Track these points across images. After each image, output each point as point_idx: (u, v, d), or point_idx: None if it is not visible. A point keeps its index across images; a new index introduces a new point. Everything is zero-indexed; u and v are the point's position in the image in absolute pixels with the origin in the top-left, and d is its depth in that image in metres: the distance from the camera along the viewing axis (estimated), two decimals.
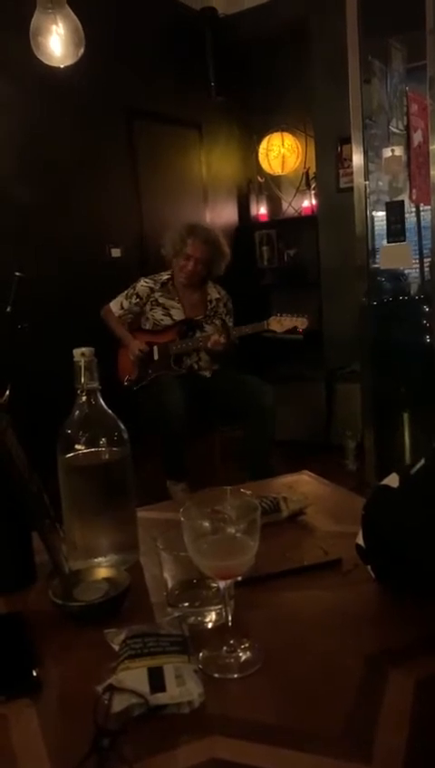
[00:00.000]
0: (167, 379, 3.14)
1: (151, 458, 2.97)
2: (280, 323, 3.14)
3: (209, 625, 0.85)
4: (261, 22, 4.30)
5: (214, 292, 3.40)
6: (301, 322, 3.13)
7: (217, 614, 0.84)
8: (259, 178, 4.95)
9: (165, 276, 3.34)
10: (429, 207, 3.11)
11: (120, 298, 3.34)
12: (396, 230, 3.06)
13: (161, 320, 3.28)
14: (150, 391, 3.13)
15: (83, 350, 0.98)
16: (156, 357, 3.25)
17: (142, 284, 3.32)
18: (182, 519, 0.75)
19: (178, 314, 3.29)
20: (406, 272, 3.50)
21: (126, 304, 3.32)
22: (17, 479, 0.96)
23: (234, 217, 4.97)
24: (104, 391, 1.01)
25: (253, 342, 3.39)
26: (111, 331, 3.35)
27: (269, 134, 4.72)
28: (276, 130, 4.70)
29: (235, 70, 4.55)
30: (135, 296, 3.31)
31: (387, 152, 3.05)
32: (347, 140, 3.30)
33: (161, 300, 3.29)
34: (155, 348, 3.25)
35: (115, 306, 3.34)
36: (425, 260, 3.33)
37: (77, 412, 1.00)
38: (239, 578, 0.77)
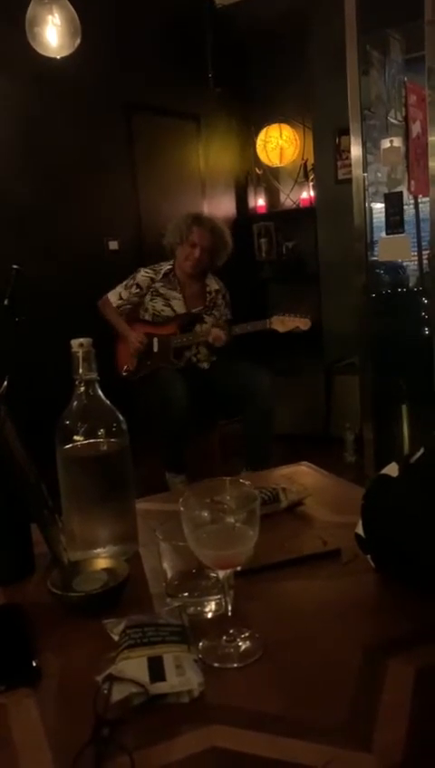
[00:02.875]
0: (168, 372, 3.14)
1: (150, 449, 2.97)
2: (283, 323, 3.16)
3: (209, 615, 0.85)
4: (259, 12, 4.27)
5: (213, 284, 3.40)
6: (304, 323, 3.14)
7: (217, 604, 0.84)
8: (257, 170, 4.93)
9: (166, 267, 3.32)
10: (427, 199, 3.10)
11: (119, 289, 3.32)
12: (395, 222, 3.05)
13: (162, 310, 3.28)
14: (151, 384, 3.13)
15: (81, 340, 0.98)
16: (156, 349, 3.25)
17: (143, 274, 3.30)
18: (181, 509, 0.75)
19: (178, 305, 3.29)
20: (405, 264, 3.49)
21: (125, 295, 3.31)
22: (16, 471, 0.96)
23: (232, 209, 4.95)
24: (103, 383, 1.00)
25: (251, 335, 3.39)
26: (109, 323, 3.33)
27: (267, 125, 4.69)
28: (275, 122, 4.67)
29: (233, 61, 4.52)
30: (135, 286, 3.29)
31: (385, 143, 3.04)
32: (345, 132, 3.29)
33: (162, 290, 3.29)
34: (155, 340, 3.25)
35: (114, 297, 3.32)
36: (424, 252, 3.33)
37: (75, 403, 0.99)
38: (238, 568, 0.77)
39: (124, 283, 3.32)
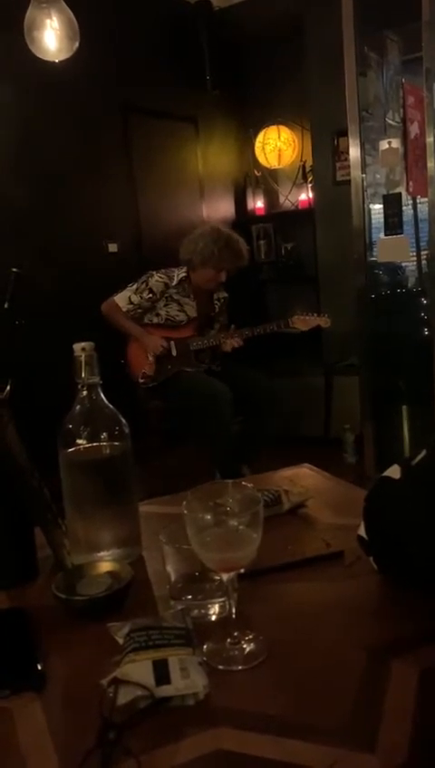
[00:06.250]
0: (197, 374, 3.18)
1: (153, 453, 2.98)
2: (305, 322, 3.28)
3: (213, 617, 0.85)
4: (256, 15, 4.28)
5: (222, 292, 3.42)
6: (324, 321, 3.30)
7: (221, 606, 0.85)
8: (256, 172, 4.94)
9: (181, 274, 3.24)
10: (426, 200, 3.11)
11: (128, 293, 3.20)
12: (393, 223, 3.06)
13: (176, 315, 3.26)
14: (189, 386, 3.14)
15: (84, 344, 0.98)
16: (174, 352, 3.24)
17: (157, 279, 3.20)
18: (185, 512, 0.75)
19: (191, 311, 3.27)
20: (403, 264, 3.50)
21: (136, 299, 3.20)
22: (19, 475, 0.96)
23: (230, 211, 4.96)
24: (106, 386, 1.00)
25: (250, 338, 3.40)
26: (118, 327, 3.24)
27: (265, 127, 4.70)
28: (273, 124, 4.69)
29: (230, 63, 4.54)
30: (148, 291, 3.19)
31: (384, 144, 3.05)
32: (344, 133, 3.30)
33: (176, 296, 3.24)
34: (172, 343, 3.24)
35: (122, 301, 3.20)
36: (423, 252, 3.33)
37: (78, 407, 0.99)
38: (242, 570, 0.77)
39: (134, 287, 3.21)
